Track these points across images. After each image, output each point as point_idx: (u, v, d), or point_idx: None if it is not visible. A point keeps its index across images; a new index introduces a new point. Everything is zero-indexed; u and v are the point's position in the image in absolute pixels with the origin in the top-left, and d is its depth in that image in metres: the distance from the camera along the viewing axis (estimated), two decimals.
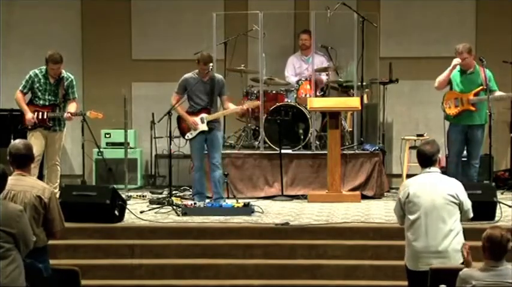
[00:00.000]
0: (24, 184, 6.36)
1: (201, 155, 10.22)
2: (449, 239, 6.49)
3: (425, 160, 6.70)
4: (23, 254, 5.83)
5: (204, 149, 10.25)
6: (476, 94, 10.20)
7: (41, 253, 6.33)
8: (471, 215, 6.71)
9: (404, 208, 6.68)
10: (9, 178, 6.12)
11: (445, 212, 6.54)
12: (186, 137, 10.26)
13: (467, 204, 6.66)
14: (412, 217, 6.59)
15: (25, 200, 6.28)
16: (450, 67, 10.23)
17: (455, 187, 6.65)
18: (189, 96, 10.16)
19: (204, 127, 10.11)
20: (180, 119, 10.27)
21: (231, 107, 10.38)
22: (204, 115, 10.11)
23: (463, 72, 10.27)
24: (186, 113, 10.17)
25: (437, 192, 6.57)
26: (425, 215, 6.54)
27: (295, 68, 12.03)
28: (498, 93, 10.30)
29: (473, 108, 10.20)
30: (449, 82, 10.32)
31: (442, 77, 10.30)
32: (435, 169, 6.70)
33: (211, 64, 10.17)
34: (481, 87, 10.17)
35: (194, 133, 10.15)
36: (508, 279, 5.54)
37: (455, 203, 6.57)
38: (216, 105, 10.30)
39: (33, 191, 6.34)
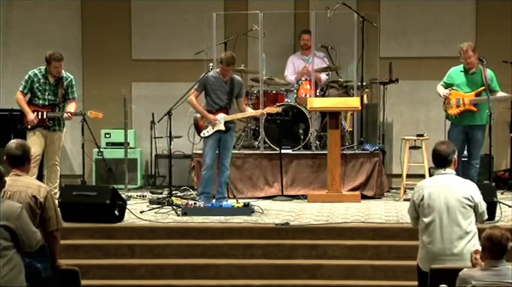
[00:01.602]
0: (20, 184, 6.34)
1: (214, 154, 10.14)
2: (464, 242, 6.45)
3: (441, 160, 6.63)
4: (26, 250, 5.82)
5: (217, 149, 10.21)
6: (478, 94, 10.19)
7: (39, 253, 6.31)
8: (486, 217, 6.66)
9: (418, 210, 6.61)
10: (6, 178, 6.11)
11: (460, 214, 6.48)
12: (202, 134, 10.17)
13: (483, 206, 6.60)
14: (426, 220, 6.54)
15: (20, 200, 6.25)
16: (441, 94, 10.23)
17: (470, 189, 6.59)
18: (209, 95, 10.12)
19: (221, 127, 10.07)
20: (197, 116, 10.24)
21: (248, 109, 10.37)
22: (221, 115, 10.08)
23: (465, 72, 10.26)
24: (204, 110, 10.15)
25: (452, 194, 6.52)
26: (440, 218, 6.49)
27: (295, 68, 12.02)
28: (500, 94, 10.29)
29: (474, 109, 10.18)
30: (450, 83, 10.33)
31: (438, 91, 10.32)
32: (450, 171, 6.63)
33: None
34: (482, 87, 10.15)
35: (211, 131, 10.09)
36: (507, 279, 5.54)
37: (470, 205, 6.52)
38: (233, 107, 10.26)
39: (28, 191, 6.32)
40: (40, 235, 5.98)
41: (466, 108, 10.20)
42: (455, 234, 6.47)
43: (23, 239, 5.78)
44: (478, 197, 6.60)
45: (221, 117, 10.04)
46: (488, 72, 10.16)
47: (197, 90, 10.11)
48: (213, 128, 10.07)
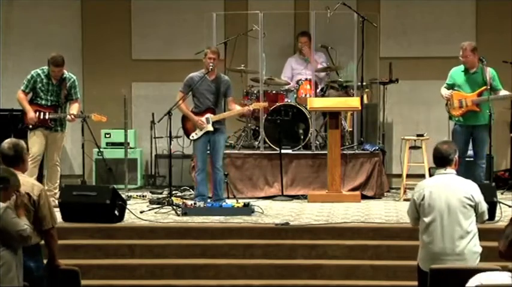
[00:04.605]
0: None
1: (204, 156, 10.15)
2: (465, 241, 6.44)
3: (441, 159, 6.62)
4: (18, 247, 5.83)
5: (207, 150, 10.21)
6: (479, 94, 10.18)
7: (33, 252, 6.30)
8: (486, 217, 6.65)
9: (419, 210, 6.60)
10: None
11: (461, 214, 6.47)
12: (191, 137, 10.20)
13: (483, 206, 6.59)
14: (427, 220, 6.53)
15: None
16: (443, 95, 10.23)
17: (471, 189, 6.58)
18: (195, 95, 10.13)
19: (209, 127, 10.07)
20: (184, 118, 10.23)
21: (237, 108, 10.35)
22: (209, 115, 10.08)
23: (466, 71, 10.25)
24: (191, 113, 10.14)
25: (453, 194, 6.51)
26: (440, 218, 6.48)
27: (292, 71, 12.02)
28: (503, 92, 10.25)
29: (477, 109, 10.16)
30: (452, 83, 10.33)
31: (441, 93, 10.31)
32: (451, 170, 6.62)
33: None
34: (484, 87, 10.14)
35: (200, 133, 10.10)
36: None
37: (471, 205, 6.51)
38: (222, 106, 10.25)
39: (21, 188, 6.33)
40: (30, 230, 5.95)
41: (468, 108, 10.18)
42: (457, 234, 6.47)
43: (9, 237, 5.78)
44: (479, 197, 6.59)
45: (208, 118, 10.03)
46: (490, 71, 10.14)
47: (182, 91, 10.11)
48: (201, 131, 10.07)
